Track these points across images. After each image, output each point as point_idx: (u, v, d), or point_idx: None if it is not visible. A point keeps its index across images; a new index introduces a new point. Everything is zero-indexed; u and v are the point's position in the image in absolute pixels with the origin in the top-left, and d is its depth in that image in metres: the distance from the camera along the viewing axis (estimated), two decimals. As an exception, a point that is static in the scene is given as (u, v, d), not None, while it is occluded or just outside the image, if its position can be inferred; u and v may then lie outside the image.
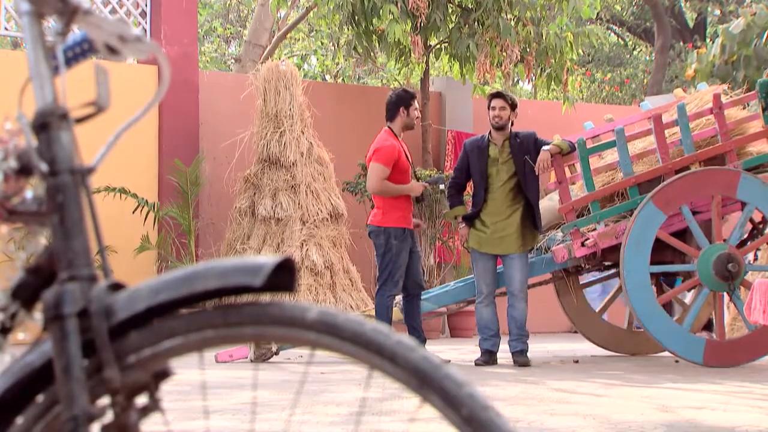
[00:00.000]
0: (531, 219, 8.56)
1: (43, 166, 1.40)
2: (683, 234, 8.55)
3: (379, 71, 21.97)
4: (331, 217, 12.09)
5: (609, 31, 26.08)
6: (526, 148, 8.53)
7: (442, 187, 8.72)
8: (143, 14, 12.53)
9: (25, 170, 1.42)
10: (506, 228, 8.54)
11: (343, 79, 21.30)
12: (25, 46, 1.44)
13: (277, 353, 8.81)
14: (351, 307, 11.49)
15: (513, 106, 8.66)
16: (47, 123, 1.40)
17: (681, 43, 22.02)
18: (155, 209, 11.78)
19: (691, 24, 23.92)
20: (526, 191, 8.53)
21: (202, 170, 12.21)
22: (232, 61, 23.70)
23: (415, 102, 8.53)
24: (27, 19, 1.43)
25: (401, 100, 8.46)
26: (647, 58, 25.58)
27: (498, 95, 8.74)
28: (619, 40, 26.97)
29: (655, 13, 22.00)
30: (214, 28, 25.03)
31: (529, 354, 8.54)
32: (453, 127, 14.20)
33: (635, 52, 26.61)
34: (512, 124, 8.67)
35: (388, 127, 8.47)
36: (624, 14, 24.39)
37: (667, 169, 8.55)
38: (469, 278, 9.39)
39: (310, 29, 22.36)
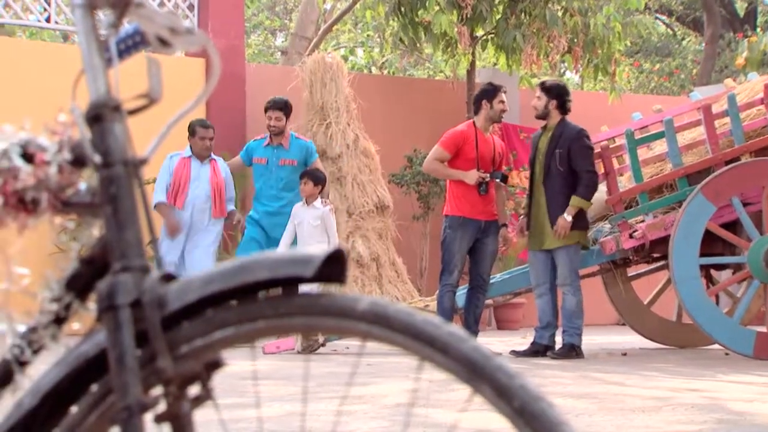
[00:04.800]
0: (549, 215, 8.27)
1: (97, 158, 1.41)
2: (733, 225, 8.46)
3: (425, 62, 21.94)
4: (377, 209, 12.09)
5: (657, 21, 25.80)
6: (564, 141, 8.28)
7: (498, 181, 8.55)
8: (191, 7, 12.60)
9: (78, 162, 1.44)
10: (534, 223, 8.47)
11: (389, 71, 21.29)
12: (78, 38, 1.45)
13: (323, 345, 8.84)
14: (397, 298, 11.48)
15: (548, 91, 8.38)
16: (100, 115, 1.42)
17: (731, 33, 21.71)
18: (203, 201, 11.81)
19: (741, 13, 23.60)
20: (545, 186, 8.34)
21: (250, 163, 12.23)
22: (279, 53, 23.78)
23: (501, 94, 8.46)
24: (80, 11, 1.45)
25: (484, 93, 8.51)
26: (696, 48, 25.29)
27: (540, 84, 8.68)
28: (668, 30, 26.68)
29: (704, 2, 21.74)
30: (260, 21, 25.12)
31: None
32: (500, 118, 14.11)
33: (684, 42, 26.31)
34: (566, 111, 8.39)
35: (473, 119, 8.55)
36: (673, 4, 24.12)
37: (716, 160, 8.46)
38: (515, 270, 9.36)
39: (356, 21, 22.36)
